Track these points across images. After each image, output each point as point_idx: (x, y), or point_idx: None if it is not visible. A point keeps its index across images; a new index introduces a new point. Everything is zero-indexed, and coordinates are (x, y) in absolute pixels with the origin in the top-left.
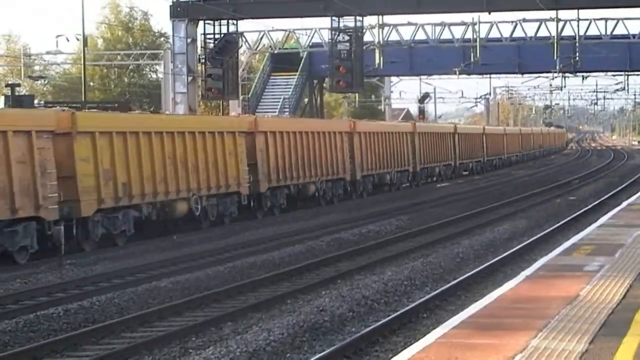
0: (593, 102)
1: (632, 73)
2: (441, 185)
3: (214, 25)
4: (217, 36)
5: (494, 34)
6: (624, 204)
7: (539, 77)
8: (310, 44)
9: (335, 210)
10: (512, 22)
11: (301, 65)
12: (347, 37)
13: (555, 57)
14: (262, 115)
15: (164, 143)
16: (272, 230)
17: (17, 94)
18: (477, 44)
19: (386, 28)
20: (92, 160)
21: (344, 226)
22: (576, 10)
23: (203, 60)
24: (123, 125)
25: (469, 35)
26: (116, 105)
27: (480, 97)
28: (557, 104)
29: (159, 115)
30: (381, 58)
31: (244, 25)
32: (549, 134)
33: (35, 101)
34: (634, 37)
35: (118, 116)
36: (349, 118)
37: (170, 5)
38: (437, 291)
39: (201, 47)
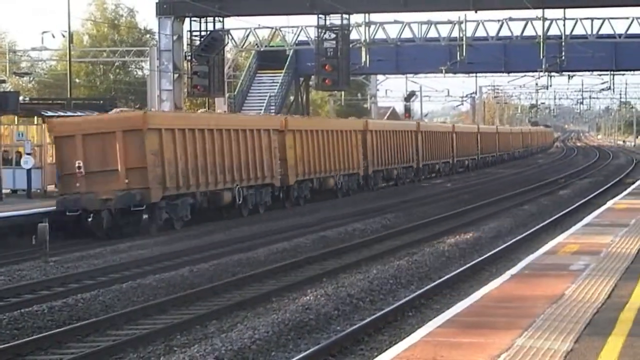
0: (579, 101)
1: (617, 73)
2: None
3: (200, 23)
4: (203, 33)
5: (480, 32)
6: (609, 203)
7: (525, 76)
8: (297, 41)
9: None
10: (499, 21)
11: (287, 63)
12: (333, 35)
13: (541, 57)
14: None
15: (315, 137)
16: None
17: (2, 90)
18: (464, 42)
19: (372, 26)
20: (293, 148)
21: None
22: (562, 10)
23: (189, 58)
24: (309, 125)
25: (455, 34)
26: (101, 102)
27: (466, 95)
28: (543, 103)
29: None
30: (367, 56)
31: (230, 22)
32: (541, 133)
33: (20, 98)
34: (619, 37)
35: (306, 119)
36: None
37: (157, 3)
38: (423, 290)
39: (187, 44)
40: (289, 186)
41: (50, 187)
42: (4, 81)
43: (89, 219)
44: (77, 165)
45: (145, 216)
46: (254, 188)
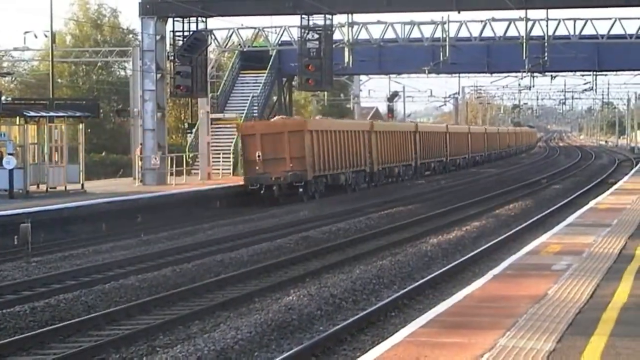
0: (561, 101)
1: (600, 73)
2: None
3: (183, 23)
4: (186, 34)
5: (463, 33)
6: (592, 203)
7: (508, 76)
8: (280, 42)
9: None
10: (481, 21)
11: (270, 63)
12: (316, 36)
13: (524, 57)
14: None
15: (387, 137)
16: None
17: None
18: (447, 43)
19: (356, 26)
20: (376, 145)
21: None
22: (545, 10)
23: (172, 58)
24: (385, 127)
25: (438, 34)
26: (84, 102)
27: (449, 96)
28: (526, 103)
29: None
30: (350, 56)
31: (213, 22)
32: (526, 133)
33: (2, 98)
34: (602, 38)
35: (385, 123)
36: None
37: (139, 3)
38: (406, 290)
39: (170, 44)
40: (373, 172)
41: (32, 188)
42: None
43: (262, 192)
44: (257, 154)
45: (300, 189)
46: (355, 173)
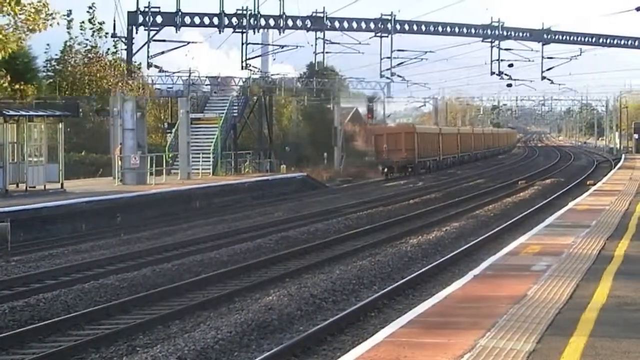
0: (540, 102)
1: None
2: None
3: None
4: None
5: None
6: (571, 204)
7: None
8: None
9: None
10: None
11: None
12: None
13: None
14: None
15: (448, 136)
16: None
17: None
18: None
19: None
20: (441, 142)
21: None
22: None
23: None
24: (449, 130)
25: None
26: (64, 102)
27: (429, 97)
28: (505, 104)
29: (452, 127)
30: None
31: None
32: (505, 134)
33: None
34: None
35: (449, 127)
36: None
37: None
38: (385, 290)
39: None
40: (440, 161)
41: (12, 187)
42: None
43: (385, 170)
44: (384, 147)
45: (409, 169)
46: (433, 160)
